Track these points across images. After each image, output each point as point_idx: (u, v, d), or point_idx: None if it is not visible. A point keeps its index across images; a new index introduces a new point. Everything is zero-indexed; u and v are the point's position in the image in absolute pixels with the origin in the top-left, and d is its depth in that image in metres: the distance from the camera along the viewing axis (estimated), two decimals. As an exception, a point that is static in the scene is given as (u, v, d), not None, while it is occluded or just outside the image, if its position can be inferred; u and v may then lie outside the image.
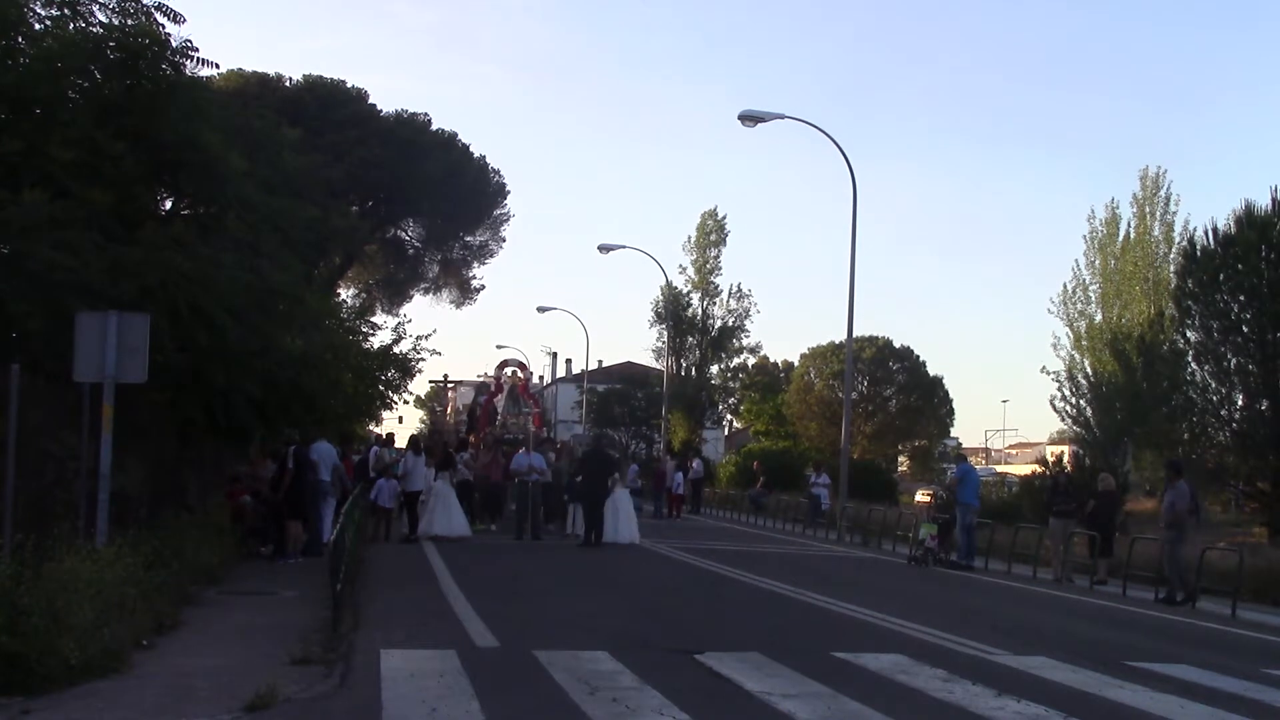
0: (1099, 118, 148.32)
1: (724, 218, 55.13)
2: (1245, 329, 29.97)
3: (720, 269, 55.22)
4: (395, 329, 26.12)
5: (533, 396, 37.26)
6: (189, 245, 12.38)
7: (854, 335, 31.59)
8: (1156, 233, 40.56)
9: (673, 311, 53.21)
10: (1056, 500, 20.57)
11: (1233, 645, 12.74)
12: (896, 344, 56.12)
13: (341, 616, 10.44)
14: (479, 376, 51.06)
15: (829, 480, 32.57)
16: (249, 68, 38.29)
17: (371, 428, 33.52)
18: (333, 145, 34.41)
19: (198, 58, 13.23)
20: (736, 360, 58.85)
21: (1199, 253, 31.47)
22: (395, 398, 27.18)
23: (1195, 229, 37.00)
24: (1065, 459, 38.99)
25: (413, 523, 21.35)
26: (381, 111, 40.17)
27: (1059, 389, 41.05)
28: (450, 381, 70.52)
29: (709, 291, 55.23)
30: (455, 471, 22.90)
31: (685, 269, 55.23)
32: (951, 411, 58.82)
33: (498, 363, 37.97)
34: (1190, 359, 32.08)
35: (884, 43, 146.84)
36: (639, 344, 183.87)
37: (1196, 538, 19.26)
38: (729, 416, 69.19)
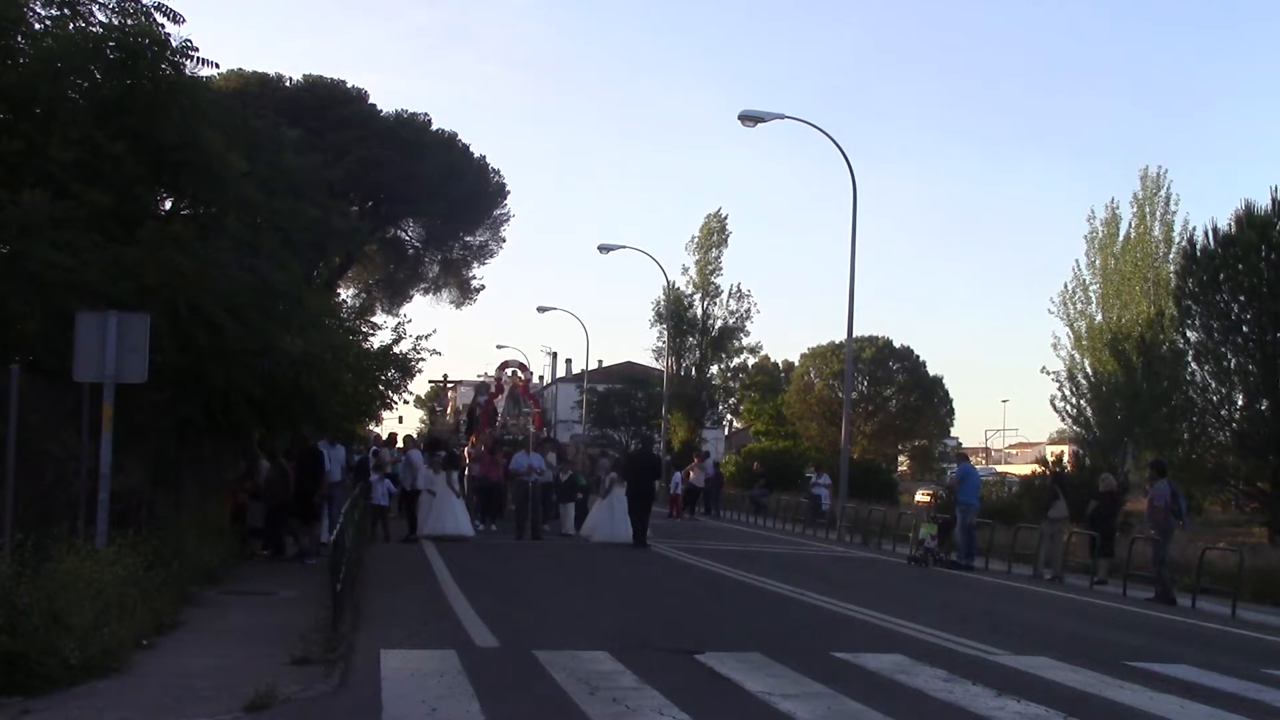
0: (1099, 118, 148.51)
1: (726, 219, 55.33)
2: (1245, 329, 29.97)
3: (721, 269, 55.33)
4: (395, 329, 26.08)
5: (533, 397, 37.25)
6: (189, 245, 12.37)
7: (854, 335, 31.60)
8: (1156, 233, 40.57)
9: (674, 312, 53.22)
10: (1049, 505, 20.61)
11: (1233, 645, 12.74)
12: (896, 344, 56.19)
13: (341, 616, 10.43)
14: (479, 376, 51.10)
15: (830, 481, 32.60)
16: (249, 68, 38.29)
17: (371, 427, 33.50)
18: (333, 145, 34.36)
19: (198, 58, 13.24)
20: (736, 360, 58.90)
21: (1199, 253, 31.46)
22: (395, 398, 27.16)
23: (1195, 229, 37.07)
24: (1065, 459, 39.01)
25: (412, 523, 21.36)
26: (381, 111, 40.15)
27: (1059, 389, 41.14)
28: (450, 381, 70.55)
29: (710, 292, 55.25)
30: (460, 470, 22.97)
31: (688, 269, 55.33)
32: (951, 411, 58.90)
33: (498, 363, 38.00)
34: (1190, 359, 32.07)
35: (884, 43, 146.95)
36: (639, 344, 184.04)
37: (1183, 537, 19.31)
38: (729, 416, 69.20)
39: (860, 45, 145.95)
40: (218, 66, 14.42)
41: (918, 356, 56.32)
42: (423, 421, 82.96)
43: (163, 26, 12.88)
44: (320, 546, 16.72)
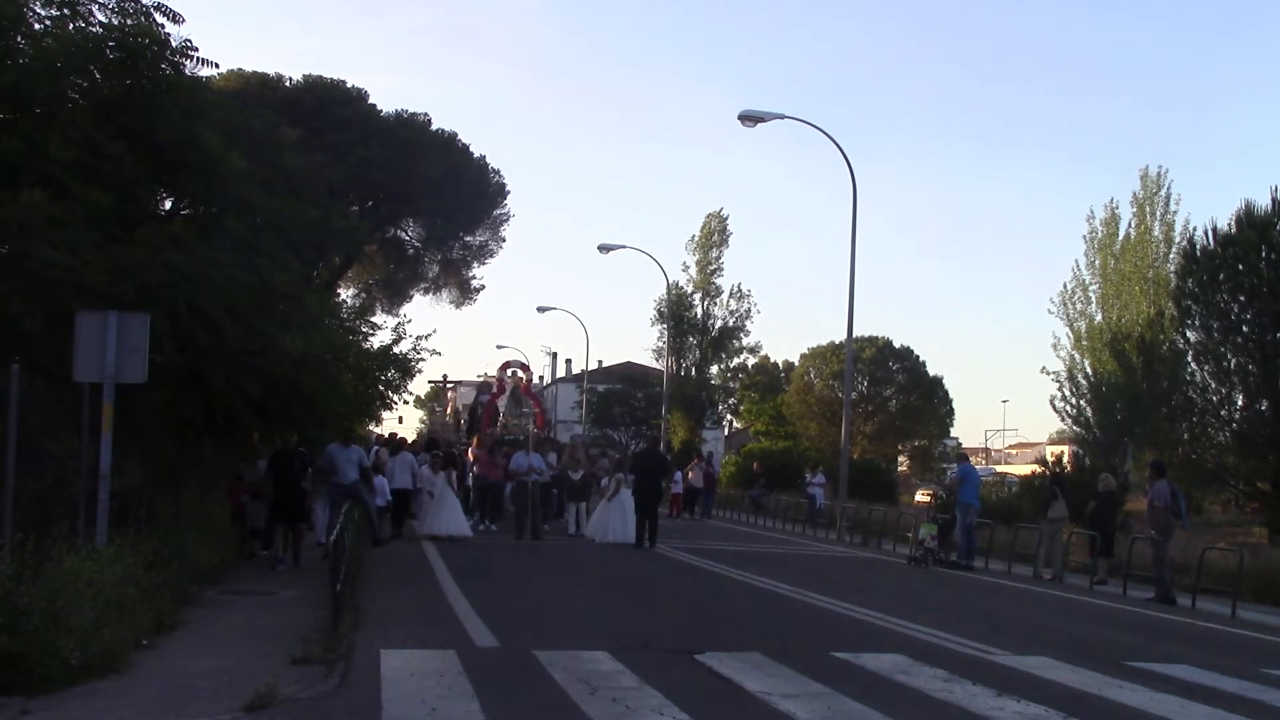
0: (1099, 118, 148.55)
1: (727, 219, 55.43)
2: (1245, 329, 29.99)
3: (722, 269, 55.39)
4: (395, 329, 26.06)
5: (534, 396, 37.29)
6: (189, 245, 12.35)
7: (854, 335, 31.61)
8: (1156, 233, 40.58)
9: (674, 312, 53.23)
10: (1048, 505, 20.62)
11: (1233, 645, 12.74)
12: (896, 344, 56.23)
13: (341, 616, 10.44)
14: (479, 376, 51.06)
15: (824, 479, 32.75)
16: (249, 68, 38.21)
17: (372, 428, 33.50)
18: (333, 145, 34.32)
19: (197, 57, 13.20)
20: (736, 360, 58.91)
21: (1199, 253, 31.48)
22: (395, 398, 27.15)
23: (1195, 229, 37.11)
24: (1065, 459, 39.04)
25: (401, 521, 21.50)
26: (381, 111, 40.10)
27: (1059, 389, 41.18)
28: (450, 381, 70.62)
29: (710, 292, 55.30)
30: (460, 470, 23.03)
31: (688, 268, 55.41)
32: (951, 411, 58.91)
33: (500, 364, 38.04)
34: (1190, 359, 32.11)
35: (884, 43, 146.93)
36: (639, 344, 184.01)
37: (1182, 537, 19.31)
38: (729, 416, 69.19)
39: (860, 45, 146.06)
40: (218, 66, 14.39)
41: (918, 356, 56.39)
42: (422, 421, 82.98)
43: (162, 26, 12.84)
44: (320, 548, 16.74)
